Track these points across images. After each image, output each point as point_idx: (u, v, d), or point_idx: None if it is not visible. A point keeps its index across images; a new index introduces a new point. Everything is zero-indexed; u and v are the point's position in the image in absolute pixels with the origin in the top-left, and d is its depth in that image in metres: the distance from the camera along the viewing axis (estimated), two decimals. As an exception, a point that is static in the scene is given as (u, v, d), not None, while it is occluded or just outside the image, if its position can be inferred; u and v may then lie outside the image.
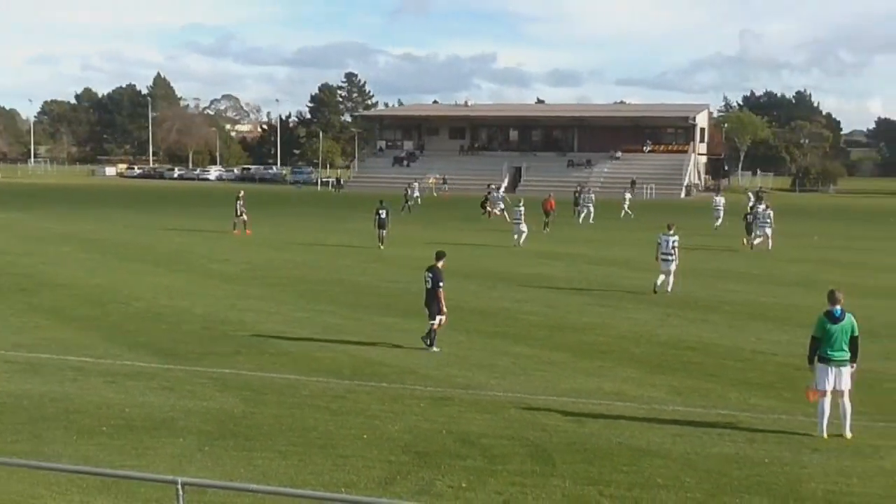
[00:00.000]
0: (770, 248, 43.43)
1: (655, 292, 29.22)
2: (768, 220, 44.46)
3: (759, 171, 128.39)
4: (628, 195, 73.69)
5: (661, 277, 29.59)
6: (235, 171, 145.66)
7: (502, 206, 63.79)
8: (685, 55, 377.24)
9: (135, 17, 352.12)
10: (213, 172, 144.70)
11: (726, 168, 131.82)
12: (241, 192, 50.90)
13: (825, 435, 14.58)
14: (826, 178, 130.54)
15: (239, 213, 48.66)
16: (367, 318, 24.61)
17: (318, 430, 14.73)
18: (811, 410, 15.33)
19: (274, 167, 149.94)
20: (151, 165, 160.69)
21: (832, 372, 14.65)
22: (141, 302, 26.79)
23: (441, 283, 20.72)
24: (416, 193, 74.60)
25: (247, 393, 16.94)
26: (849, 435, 14.60)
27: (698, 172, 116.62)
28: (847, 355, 14.72)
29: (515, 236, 44.82)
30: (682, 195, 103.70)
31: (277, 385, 17.52)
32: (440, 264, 21.11)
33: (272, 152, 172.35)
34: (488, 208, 64.44)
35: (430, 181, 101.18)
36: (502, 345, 21.28)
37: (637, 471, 13.03)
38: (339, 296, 28.44)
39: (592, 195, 66.07)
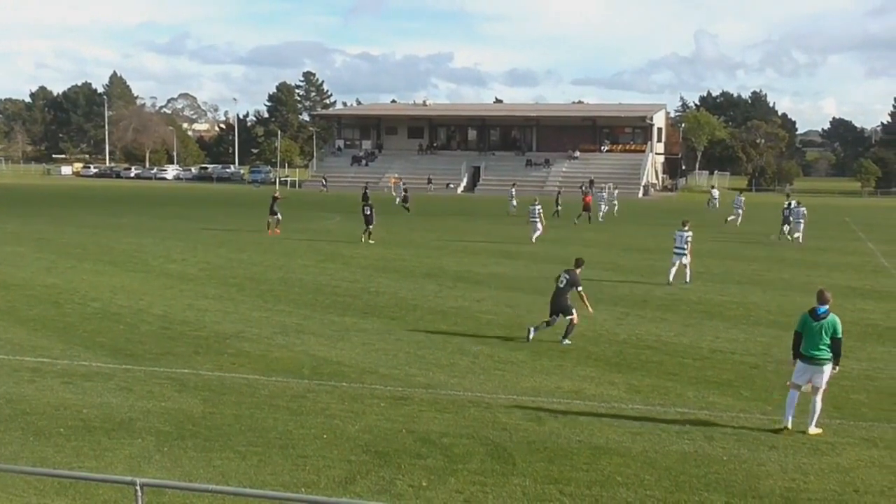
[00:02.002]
0: (802, 241, 48.38)
1: (669, 284, 31.14)
2: (802, 218, 49.51)
3: (716, 171, 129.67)
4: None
5: (673, 270, 31.75)
6: (193, 170, 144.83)
7: (514, 203, 68.87)
8: (641, 55, 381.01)
9: (89, 14, 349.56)
10: (171, 172, 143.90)
11: (683, 167, 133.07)
12: (277, 193, 52.94)
13: (790, 425, 14.72)
14: (782, 177, 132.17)
15: (274, 212, 49.98)
16: (326, 318, 24.53)
17: (277, 430, 14.67)
18: (769, 408, 15.49)
19: (232, 166, 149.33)
20: (108, 165, 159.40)
21: (809, 370, 14.80)
22: (98, 302, 26.53)
23: (580, 287, 21.73)
24: (403, 193, 74.49)
25: (206, 393, 16.83)
26: (811, 431, 14.73)
27: (656, 172, 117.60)
28: (828, 354, 14.79)
29: (534, 234, 46.59)
30: (640, 195, 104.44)
31: (236, 385, 17.43)
32: (578, 270, 22.08)
33: (230, 151, 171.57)
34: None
35: (391, 181, 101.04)
36: (461, 344, 21.27)
37: (597, 469, 13.09)
38: (297, 295, 28.34)
39: (615, 193, 68.16)
